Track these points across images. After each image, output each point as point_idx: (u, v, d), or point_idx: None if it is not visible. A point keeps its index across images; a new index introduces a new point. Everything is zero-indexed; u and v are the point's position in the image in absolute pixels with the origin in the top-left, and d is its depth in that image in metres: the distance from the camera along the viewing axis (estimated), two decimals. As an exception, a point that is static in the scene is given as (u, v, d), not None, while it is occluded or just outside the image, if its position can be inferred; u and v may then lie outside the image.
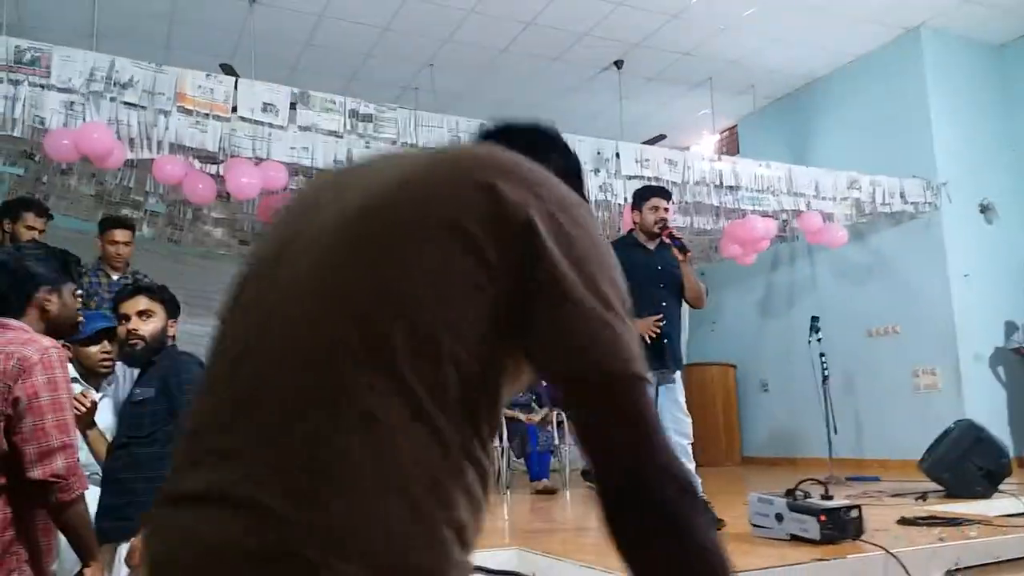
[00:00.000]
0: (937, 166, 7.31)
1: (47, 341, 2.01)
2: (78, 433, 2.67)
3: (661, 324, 4.05)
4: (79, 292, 2.25)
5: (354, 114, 5.37)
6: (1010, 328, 7.25)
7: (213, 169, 5.27)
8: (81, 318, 2.28)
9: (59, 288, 2.13)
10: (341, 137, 5.31)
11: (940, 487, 4.99)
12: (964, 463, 4.82)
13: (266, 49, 7.20)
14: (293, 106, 5.22)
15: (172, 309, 2.90)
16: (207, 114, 4.93)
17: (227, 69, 6.66)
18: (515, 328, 0.80)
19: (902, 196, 7.11)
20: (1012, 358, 7.18)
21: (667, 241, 4.13)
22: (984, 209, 7.46)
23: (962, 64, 7.66)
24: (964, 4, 7.12)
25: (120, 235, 4.78)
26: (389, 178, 0.88)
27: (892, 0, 7.01)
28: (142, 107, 4.76)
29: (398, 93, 8.32)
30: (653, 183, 6.11)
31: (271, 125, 5.10)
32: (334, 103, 5.33)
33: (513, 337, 0.80)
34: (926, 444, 5.42)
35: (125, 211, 6.67)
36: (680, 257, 4.11)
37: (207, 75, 4.98)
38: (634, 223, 4.30)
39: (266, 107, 5.09)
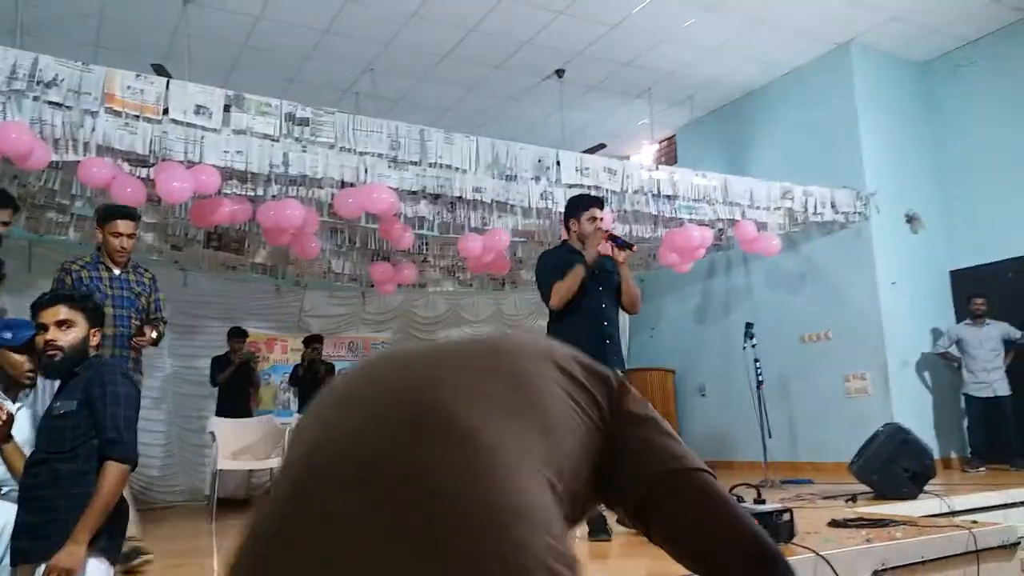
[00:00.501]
0: (866, 177, 7.55)
1: None
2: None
3: (603, 325, 4.08)
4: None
5: (290, 117, 5.26)
6: (936, 334, 7.53)
7: (143, 172, 5.10)
8: None
9: None
10: (277, 141, 5.20)
11: (869, 489, 5.14)
12: (891, 465, 4.98)
13: (201, 50, 7.03)
14: (228, 108, 5.09)
15: (95, 318, 2.77)
16: (137, 116, 4.76)
17: (159, 70, 6.49)
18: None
19: (833, 206, 7.32)
20: (938, 363, 7.45)
21: (609, 244, 4.15)
22: (910, 219, 7.73)
23: (890, 79, 7.94)
24: (892, 22, 7.39)
25: (123, 226, 4.25)
26: None
27: (824, 16, 7.22)
28: (67, 107, 4.58)
29: (338, 96, 8.22)
30: (593, 192, 6.17)
31: (204, 128, 4.96)
32: (270, 106, 5.21)
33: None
34: (857, 447, 5.58)
35: (50, 215, 6.44)
36: (620, 258, 4.14)
37: (137, 75, 4.82)
38: (571, 232, 4.32)
39: (199, 109, 4.95)
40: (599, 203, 4.31)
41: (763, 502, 3.41)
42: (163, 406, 7.93)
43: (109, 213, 4.33)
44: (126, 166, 5.03)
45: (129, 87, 4.75)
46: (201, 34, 6.86)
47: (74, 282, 4.05)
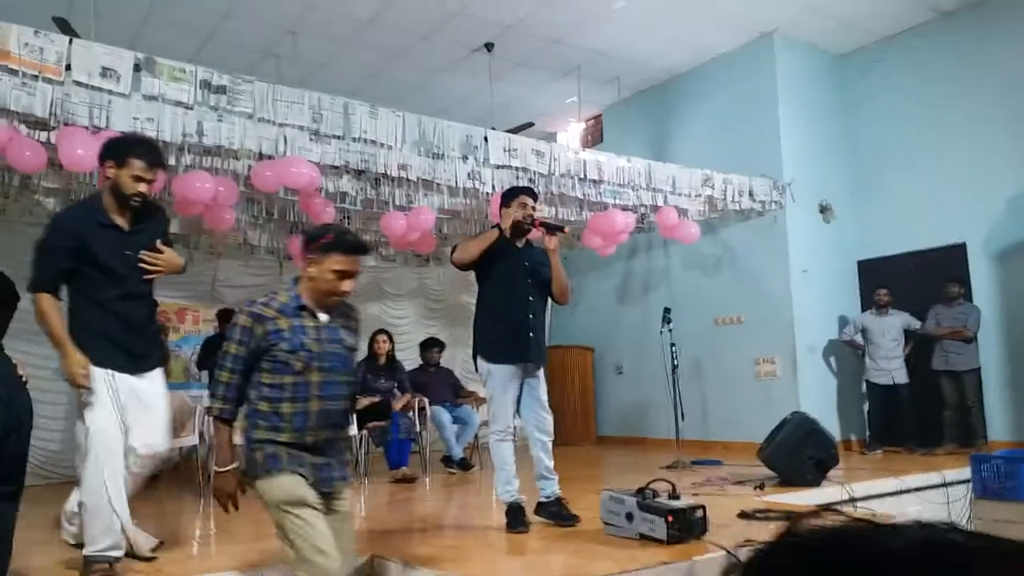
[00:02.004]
0: (783, 166, 7.75)
1: None
2: None
3: (528, 319, 4.07)
4: None
5: (206, 84, 4.99)
6: (842, 322, 7.84)
7: (43, 136, 4.77)
8: None
9: None
10: (191, 108, 4.94)
11: (776, 475, 5.34)
12: (798, 454, 5.18)
13: (108, 2, 6.60)
14: (137, 69, 4.79)
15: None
16: (36, 75, 4.43)
17: (61, 24, 6.05)
18: None
19: (751, 194, 7.49)
20: (843, 350, 7.78)
21: (540, 230, 4.13)
22: (823, 209, 7.99)
23: (809, 71, 8.13)
24: (811, 15, 7.54)
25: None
26: None
27: (750, 5, 7.31)
28: (-44, 63, 4.22)
29: (257, 59, 7.87)
30: (520, 172, 6.13)
31: (111, 92, 4.66)
32: (184, 72, 4.93)
33: None
34: (766, 428, 5.79)
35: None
36: (551, 245, 4.12)
37: (35, 32, 4.47)
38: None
39: (105, 72, 4.64)
40: (530, 193, 4.30)
41: (678, 497, 3.49)
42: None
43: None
44: (23, 128, 4.70)
45: (27, 44, 4.41)
46: (109, -15, 6.43)
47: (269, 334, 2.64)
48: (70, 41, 4.59)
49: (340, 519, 2.63)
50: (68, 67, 4.54)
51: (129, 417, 3.20)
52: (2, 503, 2.32)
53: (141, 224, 3.34)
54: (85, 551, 3.15)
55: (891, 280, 7.51)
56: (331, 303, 2.66)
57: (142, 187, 3.26)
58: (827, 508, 0.91)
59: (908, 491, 5.27)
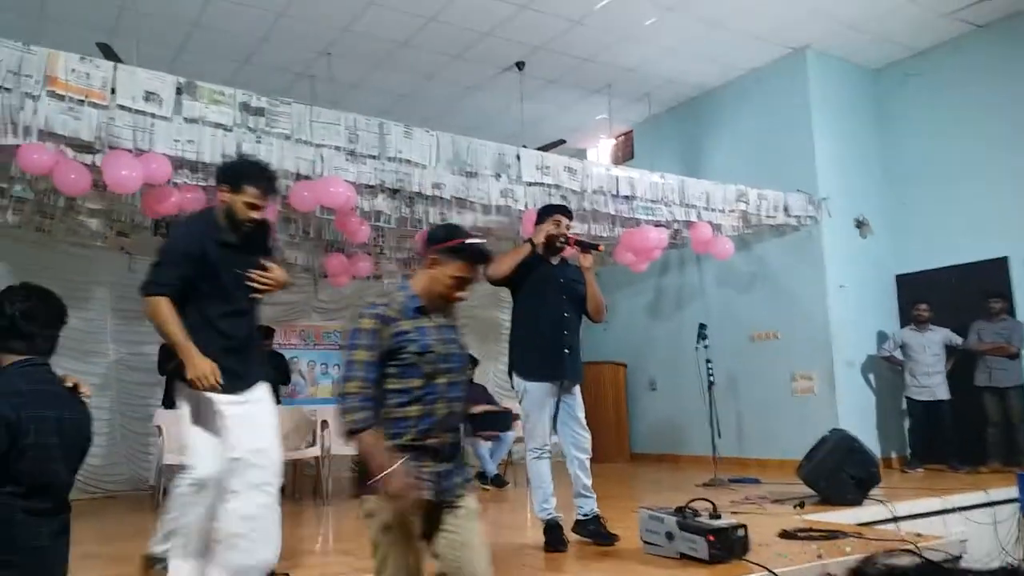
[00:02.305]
0: (818, 181, 7.68)
1: None
2: None
3: (563, 336, 4.07)
4: None
5: (245, 107, 5.09)
6: (881, 337, 7.72)
7: (88, 159, 4.89)
8: None
9: None
10: (231, 131, 5.03)
11: (815, 493, 5.26)
12: (838, 472, 5.09)
13: (150, 27, 6.78)
14: (179, 92, 4.90)
15: None
16: (82, 100, 4.55)
17: (105, 49, 6.21)
18: None
19: (786, 210, 7.43)
20: (882, 366, 7.66)
21: (575, 249, 4.14)
22: (859, 224, 7.90)
23: (843, 85, 8.07)
24: (846, 29, 7.49)
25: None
26: None
27: (782, 21, 7.29)
28: (6, 89, 4.34)
29: (292, 80, 8.02)
30: (553, 190, 6.15)
31: (154, 115, 4.77)
32: (223, 94, 5.03)
33: None
34: (803, 445, 5.71)
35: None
36: (587, 263, 4.13)
37: (82, 58, 4.59)
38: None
39: (149, 96, 4.75)
40: (564, 211, 4.31)
41: (718, 517, 3.45)
42: (107, 393, 7.69)
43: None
44: (69, 152, 4.81)
45: (74, 70, 4.54)
46: (150, 10, 6.59)
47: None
48: (115, 67, 4.72)
49: (468, 516, 2.39)
50: (113, 91, 4.66)
51: (232, 437, 3.08)
52: (30, 517, 2.33)
53: (249, 240, 3.25)
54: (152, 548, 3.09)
55: (931, 295, 7.39)
56: (442, 306, 2.50)
57: (255, 214, 3.20)
58: (900, 551, 0.90)
59: (953, 510, 5.15)
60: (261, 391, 3.28)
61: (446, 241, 2.47)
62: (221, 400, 3.08)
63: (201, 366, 3.00)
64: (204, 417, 3.11)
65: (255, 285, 3.22)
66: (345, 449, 4.87)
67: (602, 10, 6.95)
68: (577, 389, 4.18)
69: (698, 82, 8.61)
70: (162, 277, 3.09)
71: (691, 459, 8.39)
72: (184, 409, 3.14)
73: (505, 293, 4.33)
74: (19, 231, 6.66)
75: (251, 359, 3.31)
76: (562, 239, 4.18)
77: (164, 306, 3.05)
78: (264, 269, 3.24)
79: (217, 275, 3.13)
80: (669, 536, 3.45)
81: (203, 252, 3.11)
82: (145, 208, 5.59)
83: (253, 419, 3.18)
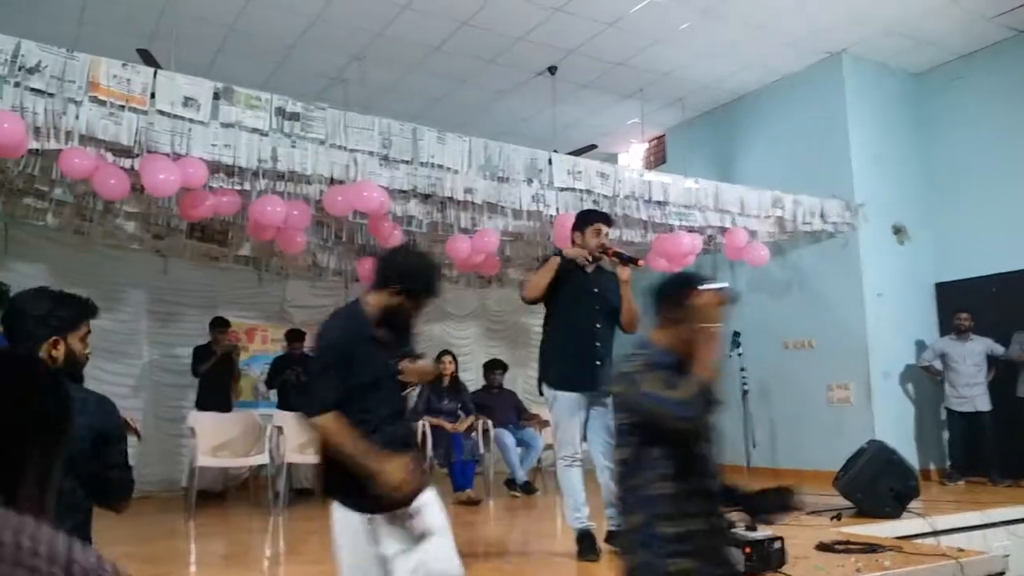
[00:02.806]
0: (855, 187, 7.55)
1: None
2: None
3: (595, 347, 4.03)
4: None
5: (280, 112, 5.14)
6: (920, 347, 7.56)
7: (127, 163, 4.96)
8: None
9: None
10: (266, 135, 5.08)
11: (852, 505, 5.15)
12: (876, 484, 4.99)
13: (187, 31, 6.85)
14: (216, 97, 4.96)
15: None
16: (122, 106, 4.62)
17: (145, 55, 6.30)
18: None
19: (822, 216, 7.32)
20: (920, 376, 7.50)
21: (613, 260, 4.11)
22: (897, 231, 7.75)
23: (881, 90, 7.93)
24: (887, 34, 7.37)
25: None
26: None
27: (818, 24, 7.19)
28: (50, 94, 4.43)
29: (326, 84, 8.08)
30: (584, 195, 6.12)
31: (192, 120, 4.83)
32: (259, 100, 5.09)
33: None
34: (838, 456, 5.60)
35: (27, 200, 6.27)
36: (624, 276, 4.09)
37: (123, 64, 4.67)
38: (575, 244, 4.26)
39: (187, 101, 4.81)
40: (605, 219, 4.26)
41: (755, 529, 3.38)
42: (141, 394, 7.79)
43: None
44: (109, 156, 4.89)
45: (115, 76, 4.62)
46: (188, 15, 6.68)
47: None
48: (155, 72, 4.79)
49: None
50: (152, 96, 4.72)
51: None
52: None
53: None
54: None
55: (972, 303, 7.22)
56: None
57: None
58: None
59: (996, 524, 5.02)
60: (428, 496, 2.67)
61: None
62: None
63: (395, 471, 2.44)
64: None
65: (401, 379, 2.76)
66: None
67: (636, 13, 6.90)
68: (609, 399, 4.13)
69: (733, 87, 8.52)
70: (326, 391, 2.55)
71: (724, 469, 8.27)
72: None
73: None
74: (58, 233, 6.80)
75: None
76: (601, 250, 4.14)
77: (339, 422, 2.50)
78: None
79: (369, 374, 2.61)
80: (704, 547, 3.39)
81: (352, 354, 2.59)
82: (181, 212, 5.66)
83: (429, 531, 2.62)
